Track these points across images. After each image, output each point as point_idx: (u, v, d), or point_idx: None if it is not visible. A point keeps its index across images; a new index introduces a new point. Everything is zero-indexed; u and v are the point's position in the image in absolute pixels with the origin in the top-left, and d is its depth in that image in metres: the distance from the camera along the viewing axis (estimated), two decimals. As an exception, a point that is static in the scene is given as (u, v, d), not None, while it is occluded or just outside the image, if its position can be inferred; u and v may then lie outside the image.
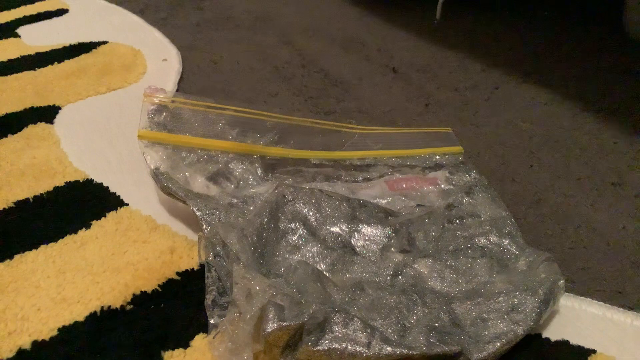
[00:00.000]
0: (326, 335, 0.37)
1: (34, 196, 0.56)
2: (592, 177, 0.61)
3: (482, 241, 0.49)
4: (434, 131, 0.68)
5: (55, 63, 0.86)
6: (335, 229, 0.49)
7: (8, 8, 1.12)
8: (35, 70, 0.84)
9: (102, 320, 0.43)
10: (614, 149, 0.66)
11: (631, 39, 0.96)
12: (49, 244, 0.50)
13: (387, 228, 0.49)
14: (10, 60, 0.87)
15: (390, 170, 0.60)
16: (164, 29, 1.02)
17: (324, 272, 0.45)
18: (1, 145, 0.65)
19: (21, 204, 0.55)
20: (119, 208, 0.55)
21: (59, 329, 0.42)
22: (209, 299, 0.42)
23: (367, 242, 0.49)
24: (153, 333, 0.42)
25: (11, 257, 0.49)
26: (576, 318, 0.44)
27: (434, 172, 0.60)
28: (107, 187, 0.58)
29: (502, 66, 0.87)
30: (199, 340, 0.41)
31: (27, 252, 0.49)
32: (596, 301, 0.45)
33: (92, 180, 0.59)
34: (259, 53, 0.93)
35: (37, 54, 0.89)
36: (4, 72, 0.83)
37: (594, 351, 0.41)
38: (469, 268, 0.47)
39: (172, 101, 0.60)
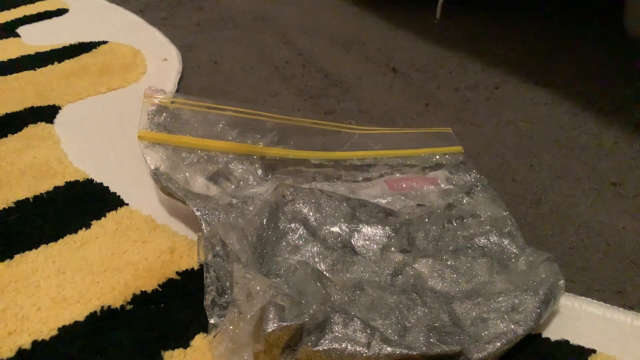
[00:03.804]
0: (326, 336, 0.37)
1: (34, 196, 0.56)
2: (592, 177, 0.61)
3: (482, 241, 0.49)
4: (434, 131, 0.68)
5: (55, 63, 0.86)
6: (335, 229, 0.49)
7: (8, 8, 1.12)
8: (35, 70, 0.84)
9: (102, 320, 0.43)
10: (614, 149, 0.66)
11: (631, 39, 0.96)
12: (49, 244, 0.50)
13: (387, 228, 0.49)
14: (10, 60, 0.87)
15: (390, 169, 0.60)
16: (164, 29, 1.02)
17: (324, 272, 0.45)
18: (1, 145, 0.65)
19: (21, 204, 0.55)
20: (119, 208, 0.55)
21: (59, 329, 0.42)
22: (208, 299, 0.42)
23: (367, 242, 0.49)
24: (153, 333, 0.42)
25: (11, 257, 0.49)
26: (576, 318, 0.44)
27: (434, 171, 0.60)
28: (107, 187, 0.58)
29: (502, 66, 0.87)
30: (199, 340, 0.41)
31: (27, 252, 0.49)
32: (596, 301, 0.45)
33: (92, 180, 0.59)
34: (259, 53, 0.93)
35: (37, 53, 0.89)
36: (4, 72, 0.83)
37: (594, 351, 0.41)
38: (469, 268, 0.47)
39: (172, 102, 0.60)
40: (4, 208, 0.55)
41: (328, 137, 0.63)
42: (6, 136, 0.67)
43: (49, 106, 0.74)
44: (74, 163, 0.62)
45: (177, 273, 0.47)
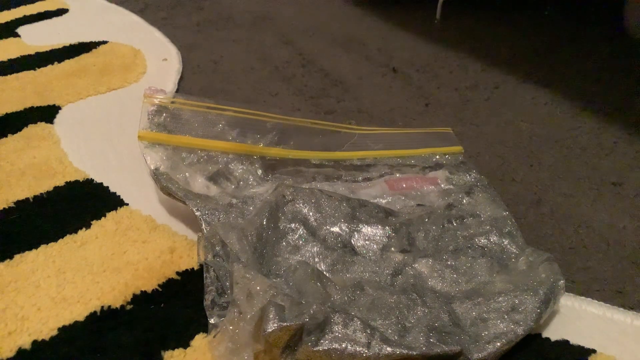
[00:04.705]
0: (326, 336, 0.37)
1: (34, 196, 0.56)
2: (592, 177, 0.61)
3: (482, 241, 0.49)
4: (434, 131, 0.68)
5: (55, 63, 0.86)
6: (335, 229, 0.49)
7: (8, 8, 1.12)
8: (35, 70, 0.84)
9: (102, 320, 0.43)
10: (614, 149, 0.66)
11: (631, 39, 0.96)
12: (49, 244, 0.50)
13: (387, 228, 0.49)
14: (10, 60, 0.87)
15: (390, 169, 0.60)
16: (164, 29, 1.02)
17: (324, 272, 0.45)
18: (1, 145, 0.65)
19: (21, 204, 0.55)
20: (119, 208, 0.55)
21: (59, 329, 0.42)
22: (208, 299, 0.42)
23: (367, 242, 0.49)
24: (153, 333, 0.42)
25: (11, 257, 0.49)
26: (576, 318, 0.44)
27: (434, 171, 0.60)
28: (107, 187, 0.58)
29: (502, 66, 0.87)
30: (199, 340, 0.41)
31: (27, 252, 0.49)
32: (596, 301, 0.45)
33: (92, 180, 0.59)
34: (259, 53, 0.93)
35: (37, 53, 0.89)
36: (4, 72, 0.83)
37: (594, 351, 0.41)
38: (469, 268, 0.47)
39: (172, 102, 0.60)
40: (4, 208, 0.55)
41: (328, 137, 0.63)
42: (6, 136, 0.67)
43: (49, 106, 0.74)
44: (74, 163, 0.62)
45: (177, 273, 0.47)
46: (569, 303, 0.45)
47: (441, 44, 0.96)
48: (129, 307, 0.44)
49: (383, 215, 0.51)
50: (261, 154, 0.57)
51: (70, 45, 0.93)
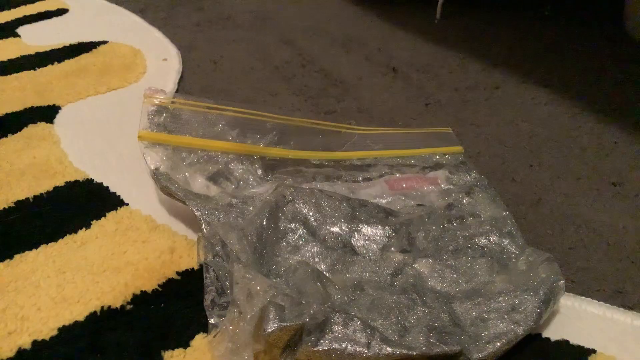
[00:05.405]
0: (326, 336, 0.37)
1: (34, 196, 0.56)
2: (592, 177, 0.61)
3: (482, 241, 0.49)
4: (434, 131, 0.68)
5: (55, 63, 0.86)
6: (335, 229, 0.49)
7: (8, 8, 1.12)
8: (35, 70, 0.84)
9: (102, 320, 0.43)
10: (614, 149, 0.66)
11: (631, 39, 0.96)
12: (49, 244, 0.50)
13: (387, 228, 0.49)
14: (10, 60, 0.87)
15: (390, 169, 0.60)
16: (164, 29, 1.02)
17: (324, 272, 0.45)
18: (1, 145, 0.65)
19: (21, 204, 0.55)
20: (119, 208, 0.55)
21: (59, 329, 0.42)
22: (207, 299, 0.42)
23: (367, 242, 0.49)
24: (153, 333, 0.42)
25: (11, 257, 0.49)
26: (576, 318, 0.44)
27: (434, 171, 0.60)
28: (107, 187, 0.58)
29: (502, 66, 0.87)
30: (199, 340, 0.41)
31: (27, 252, 0.49)
32: (596, 301, 0.45)
33: (92, 180, 0.59)
34: (259, 53, 0.93)
35: (37, 53, 0.89)
36: (4, 72, 0.83)
37: (594, 351, 0.41)
38: (469, 268, 0.47)
39: (172, 102, 0.60)
40: (4, 208, 0.55)
41: (328, 137, 0.63)
42: (6, 136, 0.67)
43: (49, 106, 0.74)
44: (74, 163, 0.62)
45: (177, 273, 0.47)
46: (569, 303, 0.45)
47: (441, 44, 0.96)
48: (129, 307, 0.44)
49: (383, 215, 0.51)
50: (261, 154, 0.57)
51: (70, 45, 0.93)
